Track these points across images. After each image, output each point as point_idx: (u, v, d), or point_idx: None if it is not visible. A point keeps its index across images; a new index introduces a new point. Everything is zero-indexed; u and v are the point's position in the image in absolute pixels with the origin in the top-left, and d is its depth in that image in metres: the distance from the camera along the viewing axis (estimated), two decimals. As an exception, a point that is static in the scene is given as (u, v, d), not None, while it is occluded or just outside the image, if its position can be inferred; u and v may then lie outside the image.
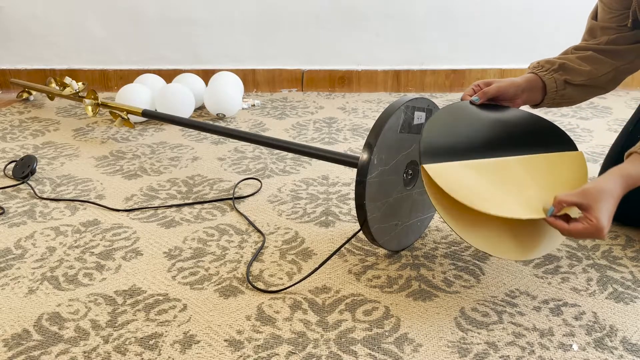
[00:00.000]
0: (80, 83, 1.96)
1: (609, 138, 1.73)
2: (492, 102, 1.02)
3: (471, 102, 1.00)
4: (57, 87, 2.04)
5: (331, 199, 1.32)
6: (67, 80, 1.94)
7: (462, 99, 1.02)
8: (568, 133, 1.78)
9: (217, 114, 1.99)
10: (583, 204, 0.81)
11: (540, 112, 2.04)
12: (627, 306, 0.92)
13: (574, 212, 0.83)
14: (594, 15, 1.10)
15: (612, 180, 0.83)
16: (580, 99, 1.10)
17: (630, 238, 1.12)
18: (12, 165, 1.49)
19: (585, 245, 1.10)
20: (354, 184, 0.93)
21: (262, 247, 1.09)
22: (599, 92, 1.10)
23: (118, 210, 1.26)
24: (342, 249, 1.08)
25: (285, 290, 0.95)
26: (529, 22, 2.27)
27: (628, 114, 1.95)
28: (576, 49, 1.09)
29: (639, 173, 0.84)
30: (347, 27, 2.33)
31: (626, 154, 0.89)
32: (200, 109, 2.11)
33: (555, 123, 1.90)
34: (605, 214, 0.80)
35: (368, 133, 0.95)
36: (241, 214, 1.24)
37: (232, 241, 1.13)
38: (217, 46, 2.35)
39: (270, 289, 0.95)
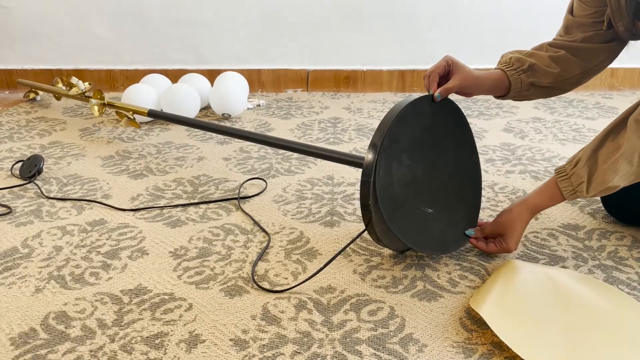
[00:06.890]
0: (86, 83, 1.97)
1: (615, 138, 1.72)
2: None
3: (433, 99, 0.99)
4: (64, 87, 2.05)
5: (336, 199, 1.32)
6: (74, 80, 1.95)
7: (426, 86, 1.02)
8: (573, 133, 1.79)
9: (222, 114, 1.99)
10: (498, 233, 1.04)
11: (541, 112, 2.03)
12: (633, 307, 0.91)
13: None
14: (570, 10, 1.07)
15: (521, 211, 1.02)
16: (540, 98, 1.12)
17: (636, 239, 1.12)
18: (19, 164, 1.50)
19: (591, 246, 1.09)
20: (359, 184, 0.93)
21: (267, 247, 1.10)
22: (558, 94, 1.12)
23: (124, 210, 1.27)
24: (347, 249, 1.08)
25: (290, 290, 0.95)
26: (533, 22, 2.26)
27: (634, 114, 1.95)
28: (550, 45, 1.08)
29: (543, 203, 1.01)
30: (352, 27, 2.33)
31: (555, 170, 0.98)
32: (206, 109, 2.12)
33: (561, 123, 1.91)
34: (514, 238, 1.02)
35: (373, 133, 0.95)
36: (246, 214, 1.24)
37: (238, 241, 1.13)
38: (223, 46, 2.36)
39: (275, 289, 0.96)
